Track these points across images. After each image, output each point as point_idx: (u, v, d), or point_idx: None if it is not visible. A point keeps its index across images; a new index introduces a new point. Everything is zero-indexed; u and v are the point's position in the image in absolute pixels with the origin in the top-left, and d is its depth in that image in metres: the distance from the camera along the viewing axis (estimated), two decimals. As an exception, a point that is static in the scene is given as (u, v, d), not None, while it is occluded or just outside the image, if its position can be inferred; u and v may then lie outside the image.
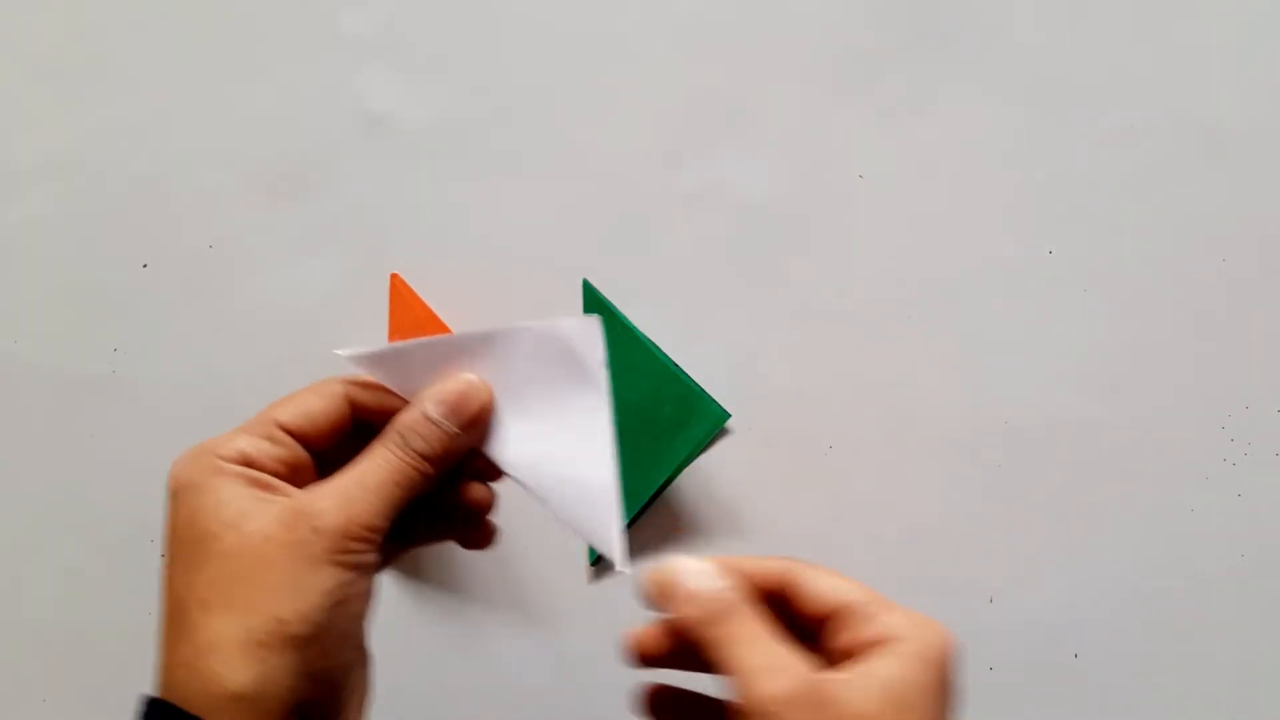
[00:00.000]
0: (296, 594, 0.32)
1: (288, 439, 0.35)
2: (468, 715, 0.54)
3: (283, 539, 0.32)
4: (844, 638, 0.32)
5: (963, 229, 0.52)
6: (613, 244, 0.53)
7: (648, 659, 0.35)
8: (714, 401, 0.50)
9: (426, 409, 0.35)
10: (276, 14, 0.54)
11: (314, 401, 0.36)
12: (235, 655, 0.31)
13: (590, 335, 0.35)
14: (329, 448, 0.36)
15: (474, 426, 0.36)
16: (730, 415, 0.51)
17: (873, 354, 0.52)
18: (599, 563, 0.53)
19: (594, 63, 0.53)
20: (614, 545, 0.36)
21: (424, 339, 0.36)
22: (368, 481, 0.34)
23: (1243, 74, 0.52)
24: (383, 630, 0.54)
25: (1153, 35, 0.52)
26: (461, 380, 0.36)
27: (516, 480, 0.37)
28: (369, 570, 0.34)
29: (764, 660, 0.31)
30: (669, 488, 0.53)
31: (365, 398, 0.37)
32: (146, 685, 0.53)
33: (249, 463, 0.34)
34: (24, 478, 0.55)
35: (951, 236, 0.52)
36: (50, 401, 0.55)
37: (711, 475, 0.53)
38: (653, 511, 0.53)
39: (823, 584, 0.33)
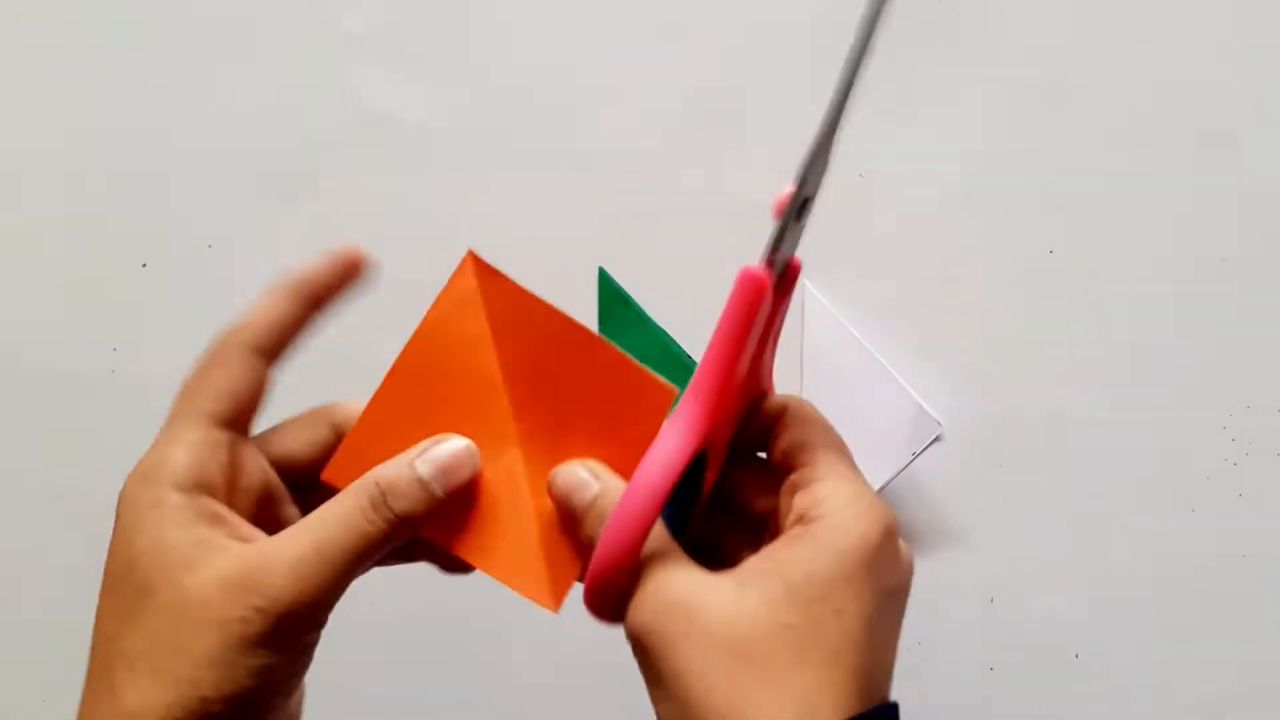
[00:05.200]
0: (225, 673, 0.29)
1: (262, 466, 0.32)
2: (470, 714, 0.54)
3: (221, 610, 0.29)
4: (787, 501, 0.30)
5: (963, 229, 0.52)
6: (610, 242, 0.53)
7: None
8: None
9: (419, 469, 0.31)
10: (276, 13, 0.54)
11: (300, 430, 0.33)
12: None
13: None
14: (309, 481, 0.33)
15: (454, 496, 0.32)
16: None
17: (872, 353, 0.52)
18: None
19: (594, 61, 0.53)
20: None
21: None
22: (328, 551, 0.29)
23: (1242, 73, 0.52)
24: (382, 627, 0.54)
25: (1152, 35, 0.52)
26: (461, 447, 0.32)
27: None
28: (310, 647, 0.31)
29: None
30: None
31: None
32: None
33: (205, 487, 0.31)
34: (23, 477, 0.55)
35: (951, 236, 0.52)
36: (49, 401, 0.55)
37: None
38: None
39: (793, 434, 0.31)
